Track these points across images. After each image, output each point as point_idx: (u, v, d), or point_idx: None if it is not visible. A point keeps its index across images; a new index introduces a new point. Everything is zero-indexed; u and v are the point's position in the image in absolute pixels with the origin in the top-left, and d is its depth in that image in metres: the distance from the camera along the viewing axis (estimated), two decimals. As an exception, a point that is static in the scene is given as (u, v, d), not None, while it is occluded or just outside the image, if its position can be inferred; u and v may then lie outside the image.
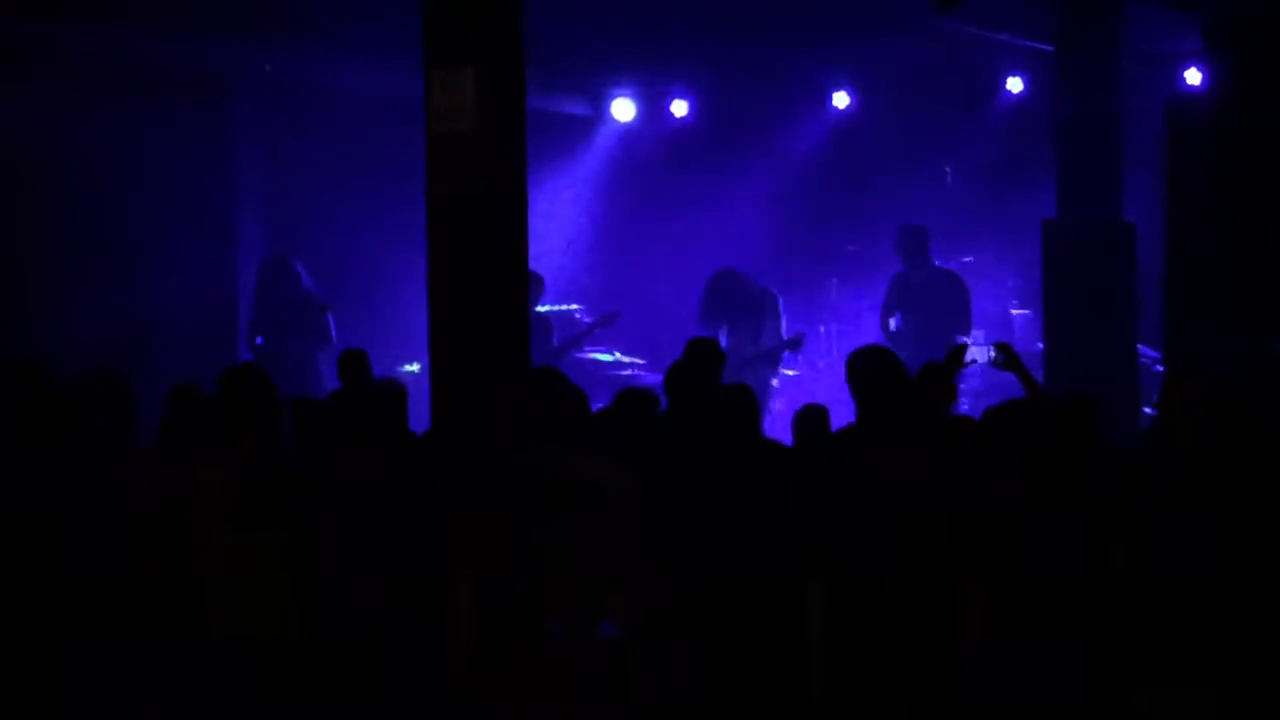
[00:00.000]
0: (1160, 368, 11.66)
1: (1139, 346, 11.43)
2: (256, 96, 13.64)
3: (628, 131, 16.38)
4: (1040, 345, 11.93)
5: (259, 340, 12.36)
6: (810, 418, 7.65)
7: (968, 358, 8.10)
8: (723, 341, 12.29)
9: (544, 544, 5.72)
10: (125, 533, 7.06)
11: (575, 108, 16.14)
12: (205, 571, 6.53)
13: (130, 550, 7.02)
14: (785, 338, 12.60)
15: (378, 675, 6.67)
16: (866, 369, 6.77)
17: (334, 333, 12.23)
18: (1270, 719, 5.25)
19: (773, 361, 12.45)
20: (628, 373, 13.99)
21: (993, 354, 8.03)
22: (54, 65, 11.73)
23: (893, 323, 12.38)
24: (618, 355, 14.31)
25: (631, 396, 7.61)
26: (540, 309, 12.62)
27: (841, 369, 6.89)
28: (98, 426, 7.94)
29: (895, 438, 6.44)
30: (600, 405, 8.40)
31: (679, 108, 15.87)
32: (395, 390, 7.88)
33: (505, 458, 5.99)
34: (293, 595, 6.48)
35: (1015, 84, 14.61)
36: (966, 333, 12.07)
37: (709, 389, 7.74)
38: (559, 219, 15.18)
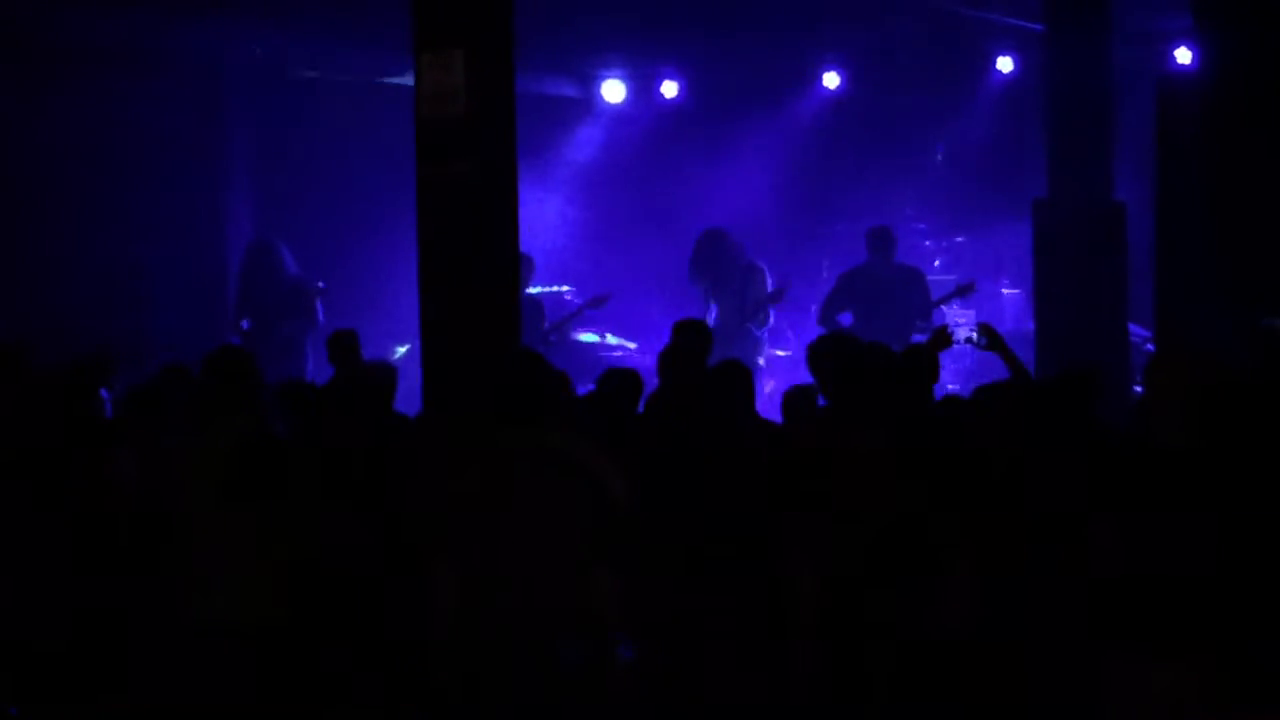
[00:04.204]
0: (1151, 346, 11.66)
1: (1130, 325, 11.44)
2: (248, 79, 13.61)
3: (618, 113, 16.35)
4: (1031, 324, 11.93)
5: (245, 324, 12.33)
6: (800, 398, 7.65)
7: (956, 337, 8.09)
8: (711, 313, 12.29)
9: (529, 526, 5.71)
10: (113, 511, 7.05)
11: (565, 89, 16.11)
12: (193, 548, 6.52)
13: (118, 528, 7.01)
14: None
15: (362, 653, 6.68)
16: (827, 357, 6.90)
17: (321, 315, 12.20)
18: (1256, 692, 5.26)
19: (756, 342, 12.38)
20: (617, 354, 13.98)
21: (975, 335, 8.03)
22: (46, 45, 11.69)
23: (844, 318, 12.14)
24: (607, 337, 14.29)
25: (615, 376, 7.61)
26: (531, 291, 12.59)
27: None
28: (86, 409, 7.94)
29: (869, 420, 6.48)
30: (588, 388, 8.39)
31: (669, 89, 15.86)
32: (386, 372, 7.87)
33: (494, 437, 5.98)
34: (280, 571, 6.48)
35: (1006, 63, 14.61)
36: (926, 327, 11.79)
37: (700, 368, 7.74)
38: (549, 201, 15.16)
